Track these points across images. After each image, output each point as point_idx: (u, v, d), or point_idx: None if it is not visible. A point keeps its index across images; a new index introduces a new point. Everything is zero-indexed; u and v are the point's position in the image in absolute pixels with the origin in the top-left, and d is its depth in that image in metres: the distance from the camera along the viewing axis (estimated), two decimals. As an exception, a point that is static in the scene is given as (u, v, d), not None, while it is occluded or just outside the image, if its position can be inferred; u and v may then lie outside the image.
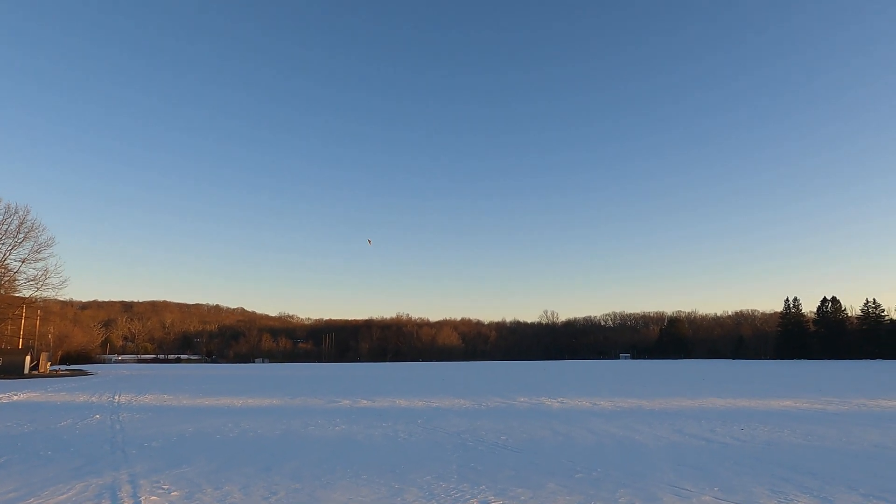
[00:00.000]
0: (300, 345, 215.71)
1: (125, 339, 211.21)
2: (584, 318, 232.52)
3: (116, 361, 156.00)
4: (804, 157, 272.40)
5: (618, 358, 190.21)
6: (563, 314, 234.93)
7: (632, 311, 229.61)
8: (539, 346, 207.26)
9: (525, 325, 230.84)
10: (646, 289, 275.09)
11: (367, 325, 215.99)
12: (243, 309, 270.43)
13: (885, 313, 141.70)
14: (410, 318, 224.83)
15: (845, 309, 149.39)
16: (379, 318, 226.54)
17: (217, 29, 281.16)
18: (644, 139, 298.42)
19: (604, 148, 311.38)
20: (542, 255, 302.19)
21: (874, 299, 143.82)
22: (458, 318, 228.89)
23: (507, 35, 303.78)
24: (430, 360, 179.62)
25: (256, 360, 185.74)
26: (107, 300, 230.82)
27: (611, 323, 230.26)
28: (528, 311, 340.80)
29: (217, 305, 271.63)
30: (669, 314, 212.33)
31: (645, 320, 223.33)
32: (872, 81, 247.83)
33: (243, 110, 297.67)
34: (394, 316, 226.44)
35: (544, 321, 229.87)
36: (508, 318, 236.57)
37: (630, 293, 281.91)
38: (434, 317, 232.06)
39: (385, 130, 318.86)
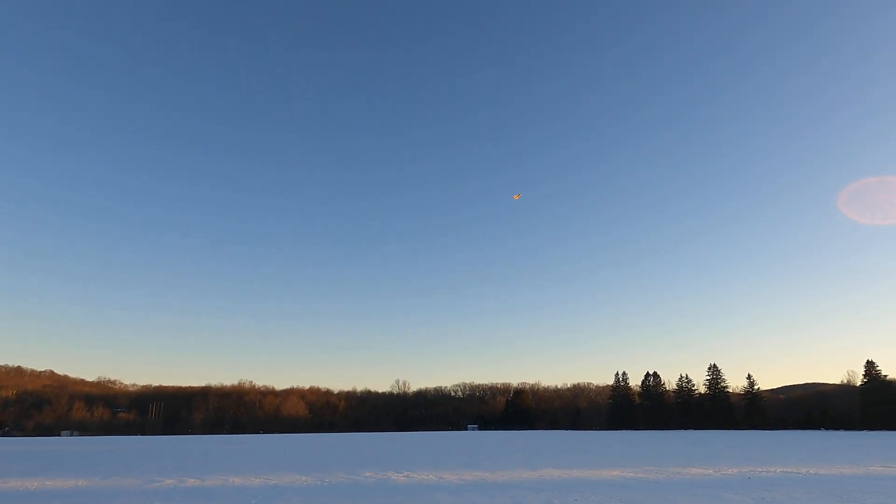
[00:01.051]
0: (121, 415, 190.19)
1: None
2: (435, 388, 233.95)
3: None
4: (625, 244, 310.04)
5: (466, 429, 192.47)
6: (415, 384, 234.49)
7: (481, 382, 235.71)
8: (389, 417, 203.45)
9: (376, 394, 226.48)
10: (495, 360, 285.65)
11: (204, 393, 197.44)
12: (53, 372, 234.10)
13: (695, 387, 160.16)
14: (254, 386, 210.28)
15: (664, 383, 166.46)
16: (218, 385, 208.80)
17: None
18: (489, 225, 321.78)
19: (455, 217, 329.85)
20: (395, 323, 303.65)
21: (687, 374, 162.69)
22: (306, 387, 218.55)
23: (358, 101, 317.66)
24: (274, 432, 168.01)
25: (63, 432, 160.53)
26: None
27: (461, 393, 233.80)
28: (380, 379, 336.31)
29: (19, 367, 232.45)
30: (515, 385, 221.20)
31: (493, 391, 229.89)
32: (673, 182, 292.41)
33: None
34: (235, 383, 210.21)
35: (396, 391, 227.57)
36: (359, 387, 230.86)
37: (480, 364, 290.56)
38: (280, 385, 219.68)
39: (235, 194, 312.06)
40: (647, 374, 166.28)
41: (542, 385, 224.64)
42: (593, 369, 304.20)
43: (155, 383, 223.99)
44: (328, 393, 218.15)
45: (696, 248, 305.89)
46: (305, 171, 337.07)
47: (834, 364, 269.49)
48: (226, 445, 73.51)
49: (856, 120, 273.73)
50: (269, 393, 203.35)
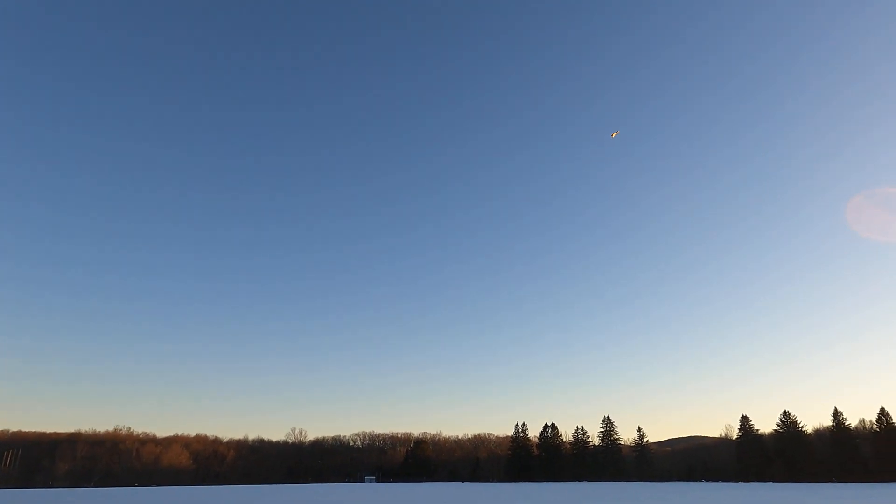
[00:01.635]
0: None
1: None
2: (333, 437, 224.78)
3: None
4: (525, 302, 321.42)
5: (363, 480, 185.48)
6: (312, 432, 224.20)
7: (381, 432, 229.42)
8: (283, 467, 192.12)
9: (269, 443, 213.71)
10: (396, 409, 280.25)
11: (71, 440, 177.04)
12: None
13: (590, 439, 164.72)
14: (132, 433, 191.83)
15: (561, 434, 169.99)
16: (89, 431, 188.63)
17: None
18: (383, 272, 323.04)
19: (357, 270, 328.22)
20: (293, 368, 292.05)
21: (583, 426, 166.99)
22: (192, 435, 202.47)
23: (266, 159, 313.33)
24: (152, 485, 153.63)
25: None
26: None
27: (360, 443, 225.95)
28: (275, 427, 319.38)
29: None
30: (417, 435, 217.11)
31: (393, 441, 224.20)
32: (570, 243, 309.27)
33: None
34: (109, 430, 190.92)
35: (291, 440, 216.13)
36: (251, 436, 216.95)
37: (381, 413, 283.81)
38: (162, 432, 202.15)
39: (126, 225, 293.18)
40: (546, 426, 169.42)
41: (444, 435, 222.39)
42: (495, 420, 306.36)
43: (12, 428, 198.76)
44: (216, 441, 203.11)
45: (592, 308, 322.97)
46: (188, 224, 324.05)
47: (715, 418, 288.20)
48: (90, 501, 65.81)
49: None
50: (148, 441, 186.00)
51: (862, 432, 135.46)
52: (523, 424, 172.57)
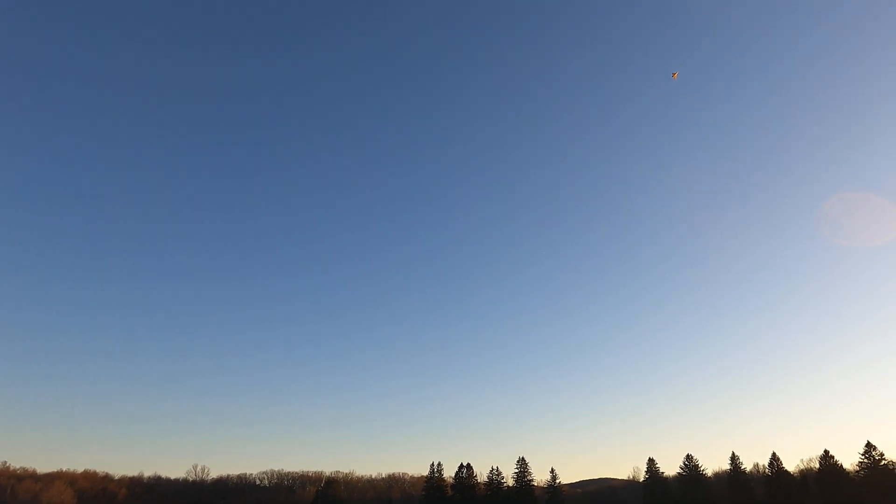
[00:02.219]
0: None
1: None
2: (238, 475, 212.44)
3: None
4: (442, 347, 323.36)
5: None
6: (215, 470, 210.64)
7: (290, 470, 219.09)
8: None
9: (167, 481, 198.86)
10: (307, 447, 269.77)
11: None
12: None
13: (504, 479, 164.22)
14: (7, 468, 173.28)
15: (476, 475, 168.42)
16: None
17: None
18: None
19: (268, 306, 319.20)
20: (195, 400, 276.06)
21: (497, 467, 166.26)
22: (79, 471, 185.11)
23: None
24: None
25: None
26: None
27: (267, 482, 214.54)
28: (173, 464, 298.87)
29: None
30: (328, 474, 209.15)
31: (303, 480, 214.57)
32: (486, 291, 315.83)
33: None
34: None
35: (192, 477, 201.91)
36: (147, 473, 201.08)
37: (291, 450, 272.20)
38: (44, 467, 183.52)
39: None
40: (461, 466, 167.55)
41: (357, 474, 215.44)
42: (410, 459, 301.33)
43: None
44: (106, 478, 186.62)
45: (507, 352, 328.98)
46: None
47: (624, 460, 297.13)
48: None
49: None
50: (26, 477, 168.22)
51: (756, 476, 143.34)
52: (438, 464, 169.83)
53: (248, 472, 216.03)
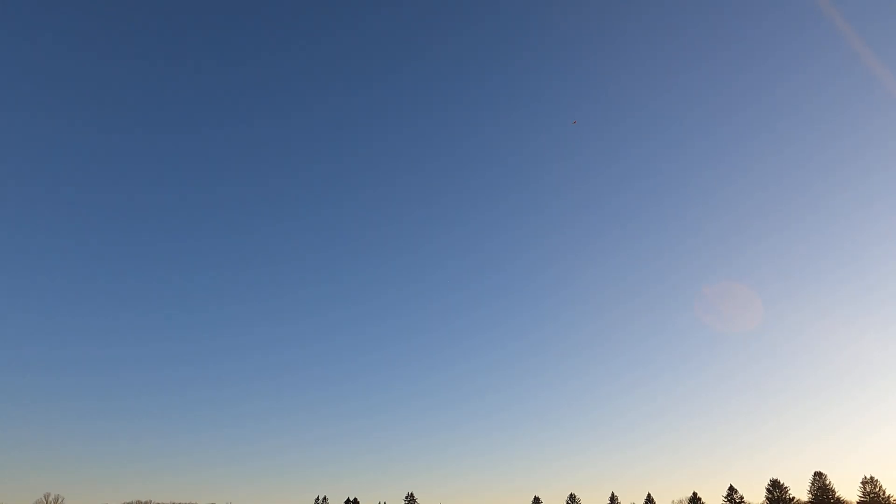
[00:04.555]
0: None
1: None
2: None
3: None
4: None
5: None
6: (72, 499, 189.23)
7: (160, 500, 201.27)
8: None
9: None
10: (179, 473, 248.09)
11: None
12: None
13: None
14: None
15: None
16: None
17: None
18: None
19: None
20: (46, 425, 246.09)
21: (385, 502, 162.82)
22: None
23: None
24: None
25: None
26: None
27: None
28: (24, 493, 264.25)
29: None
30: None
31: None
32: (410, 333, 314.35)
33: None
34: None
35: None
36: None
37: (160, 477, 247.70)
38: None
39: None
40: (348, 500, 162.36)
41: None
42: (292, 491, 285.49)
43: None
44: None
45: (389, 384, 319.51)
46: None
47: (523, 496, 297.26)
48: None
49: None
50: None
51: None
52: (324, 498, 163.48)
53: (108, 502, 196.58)
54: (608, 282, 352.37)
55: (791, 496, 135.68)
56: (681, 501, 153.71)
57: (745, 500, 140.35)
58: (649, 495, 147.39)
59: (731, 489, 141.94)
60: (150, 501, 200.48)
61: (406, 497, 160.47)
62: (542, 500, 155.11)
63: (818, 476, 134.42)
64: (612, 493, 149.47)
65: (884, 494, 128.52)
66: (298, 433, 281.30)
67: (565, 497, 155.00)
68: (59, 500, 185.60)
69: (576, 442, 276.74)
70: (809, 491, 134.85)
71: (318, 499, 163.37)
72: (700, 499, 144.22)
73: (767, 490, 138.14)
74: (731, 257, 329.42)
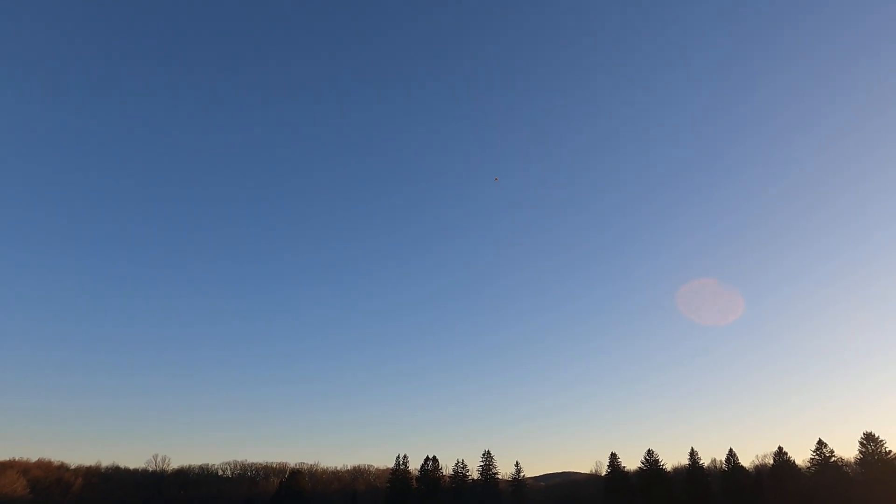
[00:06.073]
0: None
1: None
2: (199, 465, 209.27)
3: None
4: (410, 338, 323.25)
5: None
6: (176, 460, 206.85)
7: (254, 461, 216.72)
8: (139, 499, 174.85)
9: (125, 471, 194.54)
10: (271, 438, 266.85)
11: None
12: None
13: (469, 473, 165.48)
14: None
15: (442, 468, 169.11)
16: None
17: None
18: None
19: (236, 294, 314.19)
20: (155, 388, 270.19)
21: (462, 460, 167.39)
22: (33, 459, 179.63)
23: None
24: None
25: None
26: None
27: (230, 473, 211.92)
28: (132, 453, 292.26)
29: None
30: (292, 465, 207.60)
31: (266, 471, 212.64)
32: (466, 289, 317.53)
33: None
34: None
35: (152, 467, 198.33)
36: (105, 462, 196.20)
37: (255, 441, 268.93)
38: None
39: None
40: (427, 459, 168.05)
41: (321, 466, 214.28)
42: (375, 451, 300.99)
43: None
44: (62, 468, 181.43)
45: (471, 351, 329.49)
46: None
47: (587, 455, 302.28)
48: None
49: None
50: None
51: (713, 471, 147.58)
52: (404, 456, 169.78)
53: (209, 462, 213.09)
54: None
55: (888, 450, 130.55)
56: (765, 455, 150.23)
57: (835, 454, 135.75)
58: (731, 451, 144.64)
59: (821, 443, 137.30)
60: (245, 461, 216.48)
61: (483, 454, 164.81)
62: (617, 454, 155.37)
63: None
64: (692, 448, 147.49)
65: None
66: (381, 395, 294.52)
67: (643, 453, 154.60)
68: (166, 461, 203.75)
69: (652, 405, 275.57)
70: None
71: (398, 457, 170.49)
72: (786, 453, 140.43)
73: (861, 444, 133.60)
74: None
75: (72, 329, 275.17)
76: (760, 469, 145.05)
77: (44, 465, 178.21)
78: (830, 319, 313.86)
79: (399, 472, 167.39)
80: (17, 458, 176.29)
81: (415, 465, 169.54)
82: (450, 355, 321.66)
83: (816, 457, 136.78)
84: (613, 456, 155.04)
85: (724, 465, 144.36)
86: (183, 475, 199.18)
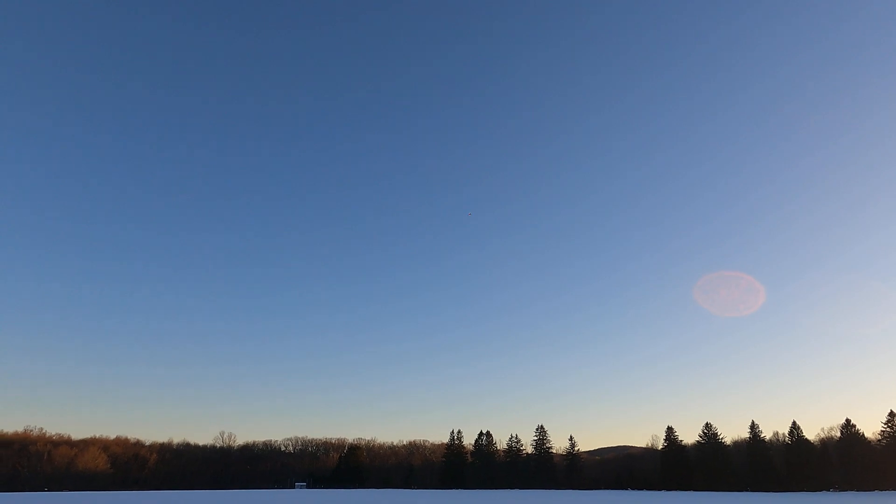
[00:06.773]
0: None
1: None
2: (263, 441, 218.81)
3: None
4: (462, 315, 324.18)
5: (293, 486, 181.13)
6: (242, 437, 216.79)
7: (314, 437, 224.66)
8: (209, 473, 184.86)
9: (195, 447, 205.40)
10: (330, 414, 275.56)
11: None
12: None
13: (524, 447, 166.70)
14: (43, 434, 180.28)
15: (496, 442, 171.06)
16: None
17: None
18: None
19: (290, 276, 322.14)
20: (221, 369, 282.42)
21: (517, 434, 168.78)
22: (112, 437, 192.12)
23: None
24: (64, 489, 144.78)
25: None
26: None
27: (291, 448, 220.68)
28: (201, 431, 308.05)
29: None
30: (351, 441, 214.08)
31: (326, 447, 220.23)
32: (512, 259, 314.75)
33: None
34: (19, 430, 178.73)
35: (219, 444, 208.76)
36: (177, 439, 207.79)
37: (314, 417, 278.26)
38: (78, 433, 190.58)
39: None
40: (481, 433, 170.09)
41: (378, 441, 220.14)
42: (430, 427, 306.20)
43: None
44: (138, 444, 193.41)
45: (525, 322, 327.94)
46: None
47: (642, 428, 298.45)
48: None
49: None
50: (62, 443, 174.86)
51: (775, 444, 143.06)
52: (458, 432, 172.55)
53: (272, 438, 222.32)
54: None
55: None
56: (832, 428, 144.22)
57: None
58: (794, 423, 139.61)
59: (892, 414, 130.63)
60: (306, 437, 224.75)
61: (537, 429, 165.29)
62: (674, 429, 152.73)
63: None
64: (753, 421, 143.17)
65: None
66: (437, 371, 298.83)
67: (700, 426, 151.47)
68: (232, 437, 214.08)
69: (709, 375, 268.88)
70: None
71: (453, 432, 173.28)
72: (854, 425, 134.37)
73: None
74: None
75: (146, 314, 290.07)
76: (826, 442, 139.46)
77: (122, 443, 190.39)
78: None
79: (454, 447, 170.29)
80: (97, 436, 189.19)
81: (469, 440, 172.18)
82: (501, 329, 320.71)
83: (888, 429, 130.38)
84: (670, 430, 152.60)
85: (787, 438, 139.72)
86: (248, 451, 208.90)
